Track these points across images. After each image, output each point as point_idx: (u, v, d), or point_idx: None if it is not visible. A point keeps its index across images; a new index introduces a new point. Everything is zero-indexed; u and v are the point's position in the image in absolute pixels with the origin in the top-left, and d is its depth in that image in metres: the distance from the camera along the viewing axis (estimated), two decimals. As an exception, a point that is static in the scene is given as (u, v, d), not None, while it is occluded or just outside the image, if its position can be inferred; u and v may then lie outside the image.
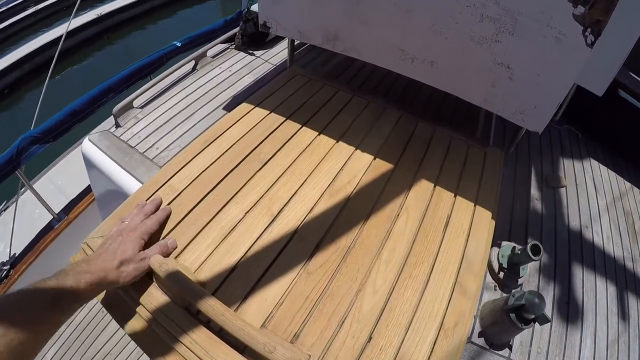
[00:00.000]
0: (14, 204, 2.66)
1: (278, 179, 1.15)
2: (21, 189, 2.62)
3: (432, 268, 1.02)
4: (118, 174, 1.53)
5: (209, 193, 1.09)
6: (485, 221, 1.19)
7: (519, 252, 1.26)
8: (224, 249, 0.97)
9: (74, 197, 2.78)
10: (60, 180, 3.03)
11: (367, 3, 1.32)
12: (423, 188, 1.21)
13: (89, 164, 1.67)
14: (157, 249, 0.91)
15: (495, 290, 1.33)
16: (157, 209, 1.02)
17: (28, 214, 2.76)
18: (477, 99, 1.34)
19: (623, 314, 1.62)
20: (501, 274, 1.33)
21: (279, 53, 2.18)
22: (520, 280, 1.35)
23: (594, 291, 1.58)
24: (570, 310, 1.46)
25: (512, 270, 1.32)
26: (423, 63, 1.34)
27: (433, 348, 0.89)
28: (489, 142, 1.58)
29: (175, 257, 0.94)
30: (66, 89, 6.48)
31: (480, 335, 1.23)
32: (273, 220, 1.04)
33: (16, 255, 2.52)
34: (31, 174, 3.02)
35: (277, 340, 0.81)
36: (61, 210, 2.72)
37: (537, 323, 1.10)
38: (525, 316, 1.09)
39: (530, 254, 1.19)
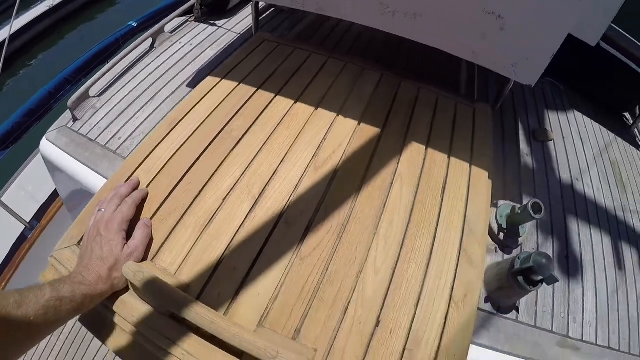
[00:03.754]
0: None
1: (255, 156, 1.03)
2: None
3: (435, 238, 0.94)
4: (80, 172, 1.39)
5: (180, 182, 0.97)
6: (482, 182, 1.12)
7: (519, 211, 1.19)
8: (204, 244, 0.86)
9: (44, 201, 2.59)
10: (31, 186, 2.84)
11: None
12: (414, 152, 1.11)
13: (50, 165, 1.53)
14: (140, 233, 0.84)
15: (496, 252, 1.27)
16: (135, 190, 0.93)
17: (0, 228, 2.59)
18: (466, 52, 1.23)
19: (619, 264, 1.61)
20: (501, 235, 1.26)
21: (243, 20, 2.01)
22: (520, 240, 1.30)
23: (591, 244, 1.56)
24: (570, 266, 1.43)
25: (512, 230, 1.26)
26: (405, 16, 1.21)
27: (445, 323, 0.83)
28: (475, 98, 1.49)
29: (152, 260, 0.83)
30: (20, 88, 6.09)
31: (486, 300, 1.18)
32: (255, 205, 0.93)
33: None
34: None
35: (278, 340, 0.72)
36: (32, 218, 2.55)
37: (544, 283, 1.05)
38: (533, 278, 1.03)
39: (531, 212, 1.12)
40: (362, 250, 0.88)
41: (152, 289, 0.74)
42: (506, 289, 1.11)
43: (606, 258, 1.58)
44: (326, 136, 1.11)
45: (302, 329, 0.76)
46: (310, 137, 1.10)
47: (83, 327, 0.80)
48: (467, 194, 1.05)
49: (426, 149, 1.13)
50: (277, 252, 0.85)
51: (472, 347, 1.11)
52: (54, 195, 2.64)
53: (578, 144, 1.91)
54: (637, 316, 1.54)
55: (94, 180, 1.35)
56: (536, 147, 1.71)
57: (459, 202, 1.03)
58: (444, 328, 0.82)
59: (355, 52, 1.76)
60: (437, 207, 0.99)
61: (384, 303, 0.82)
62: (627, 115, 2.58)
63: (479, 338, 1.12)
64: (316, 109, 1.20)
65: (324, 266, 0.84)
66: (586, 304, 1.40)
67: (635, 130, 2.53)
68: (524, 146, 1.68)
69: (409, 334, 0.79)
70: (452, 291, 0.87)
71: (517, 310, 1.23)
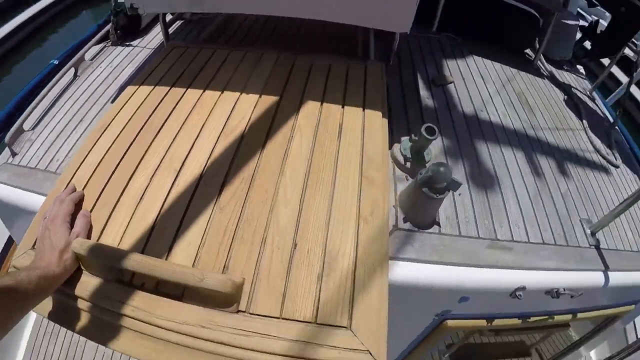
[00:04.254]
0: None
1: (174, 139, 1.19)
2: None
3: (336, 170, 1.12)
4: (26, 198, 1.50)
5: (113, 173, 1.12)
6: (376, 121, 1.30)
7: (417, 138, 1.38)
8: (139, 217, 1.00)
9: (4, 244, 2.65)
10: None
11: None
12: (311, 108, 1.29)
13: None
14: (81, 221, 0.96)
15: (407, 180, 1.46)
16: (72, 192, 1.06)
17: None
18: (345, 17, 1.42)
19: (537, 172, 1.83)
20: (408, 164, 1.45)
21: (156, 36, 2.16)
22: (427, 165, 1.48)
23: (503, 160, 1.77)
24: (485, 180, 1.64)
25: (416, 158, 1.45)
26: None
27: (357, 236, 0.99)
28: (370, 57, 1.68)
29: (96, 241, 0.97)
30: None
31: (405, 220, 1.36)
32: (177, 176, 1.08)
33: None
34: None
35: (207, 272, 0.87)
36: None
37: (451, 191, 1.22)
38: (437, 187, 1.20)
39: (425, 135, 1.30)
40: (272, 191, 1.05)
41: (98, 254, 0.88)
42: (417, 204, 1.29)
43: (522, 169, 1.79)
44: (232, 112, 1.28)
45: (230, 264, 0.91)
46: (218, 116, 1.27)
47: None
48: (363, 133, 1.24)
49: (322, 104, 1.31)
50: (199, 208, 1.01)
51: (400, 263, 1.29)
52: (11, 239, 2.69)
53: (479, 81, 2.14)
54: (567, 212, 1.77)
55: (39, 202, 1.46)
56: (437, 90, 1.92)
57: (356, 140, 1.21)
58: (357, 241, 0.99)
59: (259, 42, 1.94)
60: (335, 147, 1.17)
61: (297, 229, 0.98)
62: (528, 51, 2.84)
63: (405, 253, 1.29)
64: (222, 92, 1.36)
65: (240, 210, 1.00)
66: (510, 210, 1.59)
67: (539, 62, 2.79)
68: (424, 92, 1.88)
69: (325, 250, 0.96)
70: (358, 209, 1.04)
71: (439, 225, 1.41)
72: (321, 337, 0.84)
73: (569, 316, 2.00)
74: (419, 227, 1.37)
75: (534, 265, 1.52)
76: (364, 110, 1.32)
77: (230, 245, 0.95)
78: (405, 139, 1.49)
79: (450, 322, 1.70)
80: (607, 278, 1.76)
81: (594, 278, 1.74)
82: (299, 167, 1.10)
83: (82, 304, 0.90)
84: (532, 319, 1.91)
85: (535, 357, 2.89)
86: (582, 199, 1.94)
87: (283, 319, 0.85)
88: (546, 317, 1.94)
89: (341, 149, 1.17)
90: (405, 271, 1.28)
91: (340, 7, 1.39)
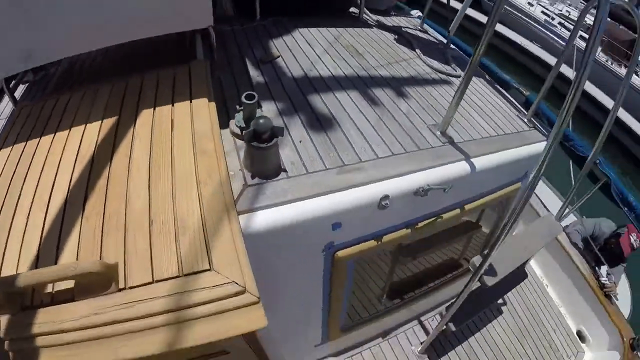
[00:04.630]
0: None
1: (39, 181, 1.40)
2: None
3: (172, 153, 1.39)
4: None
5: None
6: (203, 105, 1.57)
7: (242, 107, 1.60)
8: (26, 249, 1.20)
9: None
10: None
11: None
12: (145, 117, 1.55)
13: None
14: None
15: (245, 146, 1.71)
16: None
17: None
18: (154, 29, 1.65)
19: (375, 103, 2.14)
20: (243, 133, 1.70)
21: (7, 106, 2.27)
22: None
23: (339, 103, 2.07)
24: (324, 123, 1.91)
25: (249, 125, 1.66)
26: (96, 29, 1.61)
27: (200, 197, 1.26)
28: (197, 57, 1.93)
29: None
30: None
31: (253, 177, 1.59)
32: (48, 207, 1.30)
33: None
34: None
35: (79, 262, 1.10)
36: None
37: (276, 138, 1.44)
38: (263, 137, 1.41)
39: (245, 101, 1.51)
40: (123, 192, 1.30)
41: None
42: (255, 159, 1.52)
43: (359, 104, 2.07)
44: (81, 144, 1.51)
45: (104, 256, 1.15)
46: (70, 152, 1.49)
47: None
48: (192, 119, 1.51)
49: (154, 109, 1.57)
50: (70, 225, 1.24)
51: (259, 212, 1.50)
52: None
53: (306, 48, 2.43)
54: (413, 125, 2.04)
55: None
56: (266, 68, 2.20)
57: (186, 127, 1.48)
58: (201, 201, 1.25)
59: (98, 79, 2.11)
60: (169, 139, 1.45)
61: (149, 209, 1.24)
62: (354, 10, 3.19)
63: (260, 203, 1.51)
64: (70, 130, 1.58)
65: (102, 215, 1.25)
66: (353, 140, 1.85)
67: (365, 16, 3.16)
68: (253, 72, 2.16)
69: (175, 216, 1.22)
70: (197, 176, 1.31)
71: (285, 171, 1.64)
72: (191, 285, 1.07)
73: (457, 211, 2.25)
74: (267, 178, 1.58)
75: (388, 175, 1.75)
76: (191, 102, 1.59)
77: (101, 242, 1.19)
78: (238, 113, 1.74)
79: (341, 253, 1.90)
80: (471, 165, 2.04)
81: (457, 169, 2.00)
82: (142, 165, 1.36)
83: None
84: (420, 224, 2.13)
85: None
86: (427, 111, 2.22)
87: (156, 281, 1.08)
88: (434, 218, 2.16)
89: (175, 138, 1.44)
90: (265, 217, 1.49)
91: (146, 23, 1.61)
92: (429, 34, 3.31)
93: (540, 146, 2.57)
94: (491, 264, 2.22)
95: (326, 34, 2.65)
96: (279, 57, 2.27)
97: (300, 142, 1.76)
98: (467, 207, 2.30)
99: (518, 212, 1.63)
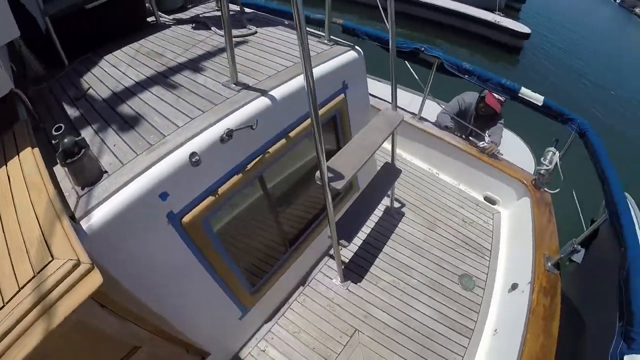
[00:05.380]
0: None
1: None
2: None
3: (12, 196, 1.63)
4: None
5: None
6: (28, 153, 1.86)
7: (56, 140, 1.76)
8: None
9: None
10: None
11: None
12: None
13: None
14: None
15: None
16: None
17: None
18: None
19: (173, 87, 2.39)
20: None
21: None
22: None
23: (143, 102, 2.29)
24: (131, 123, 2.12)
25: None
26: None
27: (37, 216, 1.45)
28: (19, 119, 2.17)
29: None
30: None
31: (82, 188, 1.78)
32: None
33: None
34: None
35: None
36: None
37: (84, 149, 1.68)
38: (75, 152, 1.64)
39: (55, 133, 1.66)
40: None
41: None
42: (75, 173, 1.73)
43: (159, 93, 2.34)
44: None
45: None
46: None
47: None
48: (21, 167, 1.73)
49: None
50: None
51: (95, 212, 1.68)
52: None
53: (112, 70, 2.69)
54: (208, 90, 2.30)
55: None
56: (80, 103, 2.41)
57: (19, 175, 1.71)
58: (38, 219, 1.41)
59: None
60: (8, 189, 1.76)
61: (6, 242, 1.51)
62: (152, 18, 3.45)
63: (92, 203, 1.70)
64: None
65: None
66: (156, 123, 2.07)
67: (161, 19, 3.43)
68: (70, 111, 2.36)
69: (23, 237, 1.42)
70: (32, 203, 1.53)
71: (106, 172, 1.83)
72: (43, 277, 1.21)
73: (283, 141, 2.47)
74: (93, 183, 1.77)
75: (189, 136, 1.97)
76: (18, 155, 1.82)
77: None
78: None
79: (186, 218, 2.06)
80: (271, 97, 2.31)
81: (257, 105, 2.25)
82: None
83: None
84: (249, 166, 2.32)
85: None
86: (225, 73, 2.47)
87: (21, 287, 1.22)
88: (261, 155, 2.37)
89: (13, 186, 1.70)
90: (102, 214, 1.68)
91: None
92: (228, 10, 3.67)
93: (348, 56, 2.97)
94: (337, 171, 2.53)
95: (128, 50, 2.93)
96: (89, 88, 2.52)
97: (114, 145, 1.98)
98: (291, 134, 2.53)
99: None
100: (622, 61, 17.25)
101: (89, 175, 1.83)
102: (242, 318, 2.88)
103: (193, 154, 1.93)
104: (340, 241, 2.95)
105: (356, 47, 3.11)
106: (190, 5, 3.75)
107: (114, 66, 2.78)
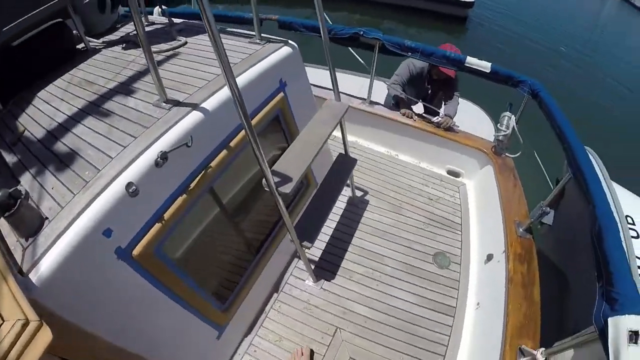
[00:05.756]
0: None
1: None
2: None
3: None
4: None
5: None
6: None
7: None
8: None
9: None
10: None
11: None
12: None
13: None
14: None
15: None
16: None
17: None
18: None
19: (105, 115, 2.32)
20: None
21: None
22: None
23: (76, 136, 2.21)
24: (67, 162, 2.07)
25: None
26: None
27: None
28: None
29: None
30: None
31: (27, 239, 1.73)
32: None
33: None
34: None
35: None
36: None
37: (20, 199, 1.66)
38: (10, 205, 1.61)
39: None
40: None
41: None
42: (16, 225, 1.70)
43: (91, 124, 2.24)
44: None
45: None
46: None
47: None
48: None
49: None
50: None
51: (42, 262, 1.60)
52: None
53: (45, 107, 2.60)
54: (138, 112, 2.25)
55: None
56: (17, 147, 2.35)
57: None
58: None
59: None
60: None
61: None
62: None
63: (37, 254, 1.64)
64: None
65: None
66: (91, 158, 1.98)
67: (91, 44, 3.32)
68: (8, 158, 2.29)
69: None
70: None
71: (47, 218, 1.77)
72: (2, 343, 1.16)
73: (225, 152, 2.41)
74: (36, 232, 1.74)
75: (123, 166, 1.90)
76: None
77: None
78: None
79: (136, 250, 1.98)
80: (203, 110, 2.23)
81: (190, 121, 2.18)
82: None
83: None
84: (192, 185, 2.24)
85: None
86: (155, 92, 2.37)
87: None
88: (203, 171, 2.29)
89: None
90: (49, 263, 1.63)
91: None
92: (158, 23, 3.56)
93: (282, 52, 2.90)
94: (284, 174, 2.43)
95: (60, 83, 2.85)
96: (24, 131, 2.45)
97: (52, 188, 1.93)
98: (232, 143, 2.45)
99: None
100: (572, 18, 17.26)
101: (30, 225, 1.79)
102: (219, 337, 2.83)
103: (129, 185, 1.89)
104: (303, 243, 2.89)
105: (290, 41, 3.04)
106: (119, 25, 3.68)
107: (47, 102, 2.71)
